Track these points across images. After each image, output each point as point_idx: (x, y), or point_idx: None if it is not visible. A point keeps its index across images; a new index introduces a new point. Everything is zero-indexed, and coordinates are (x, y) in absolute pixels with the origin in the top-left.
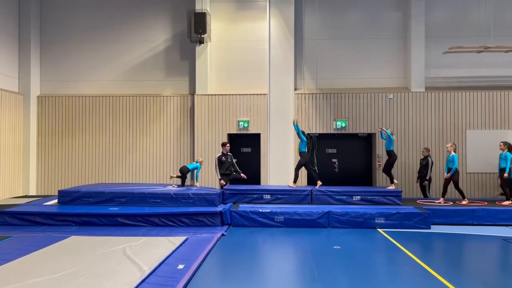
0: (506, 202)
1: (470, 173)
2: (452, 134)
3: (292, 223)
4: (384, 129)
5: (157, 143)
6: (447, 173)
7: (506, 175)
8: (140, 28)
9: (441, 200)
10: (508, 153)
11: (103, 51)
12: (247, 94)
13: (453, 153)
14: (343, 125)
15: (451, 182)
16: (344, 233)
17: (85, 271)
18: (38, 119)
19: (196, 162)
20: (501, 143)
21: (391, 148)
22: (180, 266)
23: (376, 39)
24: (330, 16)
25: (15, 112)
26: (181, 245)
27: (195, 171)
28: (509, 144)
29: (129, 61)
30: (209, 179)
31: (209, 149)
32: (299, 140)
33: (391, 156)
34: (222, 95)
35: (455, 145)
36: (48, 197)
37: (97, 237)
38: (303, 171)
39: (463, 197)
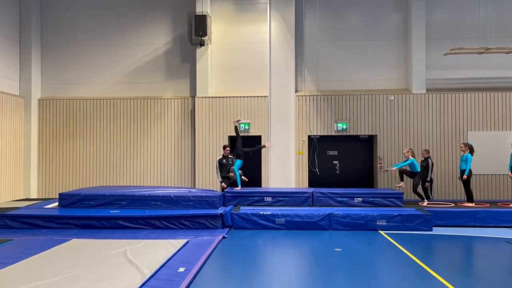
0: (469, 204)
1: (472, 174)
2: (453, 136)
3: (293, 225)
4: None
5: (158, 146)
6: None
7: (465, 176)
8: (140, 31)
9: (425, 202)
10: (469, 154)
11: (104, 54)
12: (247, 97)
13: (410, 157)
14: (344, 127)
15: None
16: (346, 235)
17: (85, 274)
18: (39, 121)
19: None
20: (462, 145)
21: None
22: (181, 269)
23: (376, 41)
24: (330, 18)
25: (16, 115)
26: (182, 248)
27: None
28: (471, 145)
29: (130, 64)
30: (210, 181)
31: (210, 152)
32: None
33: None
34: (222, 97)
35: (411, 150)
36: (49, 200)
37: (97, 240)
38: (304, 173)
39: (422, 199)
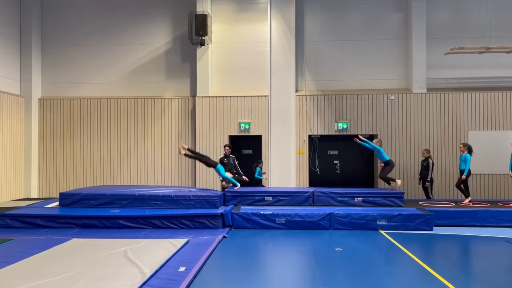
0: (466, 201)
1: (472, 174)
2: (454, 135)
3: (294, 225)
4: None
5: (158, 145)
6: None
7: (463, 177)
8: (141, 31)
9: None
10: (468, 154)
11: (104, 54)
12: (248, 96)
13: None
14: (345, 126)
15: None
16: (346, 235)
17: (86, 273)
18: (40, 121)
19: None
20: (461, 145)
21: None
22: (182, 269)
23: (377, 41)
24: (331, 18)
25: (17, 114)
26: (182, 247)
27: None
28: (469, 145)
29: (130, 63)
30: (210, 181)
31: (211, 151)
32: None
33: None
34: (223, 97)
35: (380, 140)
36: (50, 200)
37: (98, 240)
38: (304, 173)
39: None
